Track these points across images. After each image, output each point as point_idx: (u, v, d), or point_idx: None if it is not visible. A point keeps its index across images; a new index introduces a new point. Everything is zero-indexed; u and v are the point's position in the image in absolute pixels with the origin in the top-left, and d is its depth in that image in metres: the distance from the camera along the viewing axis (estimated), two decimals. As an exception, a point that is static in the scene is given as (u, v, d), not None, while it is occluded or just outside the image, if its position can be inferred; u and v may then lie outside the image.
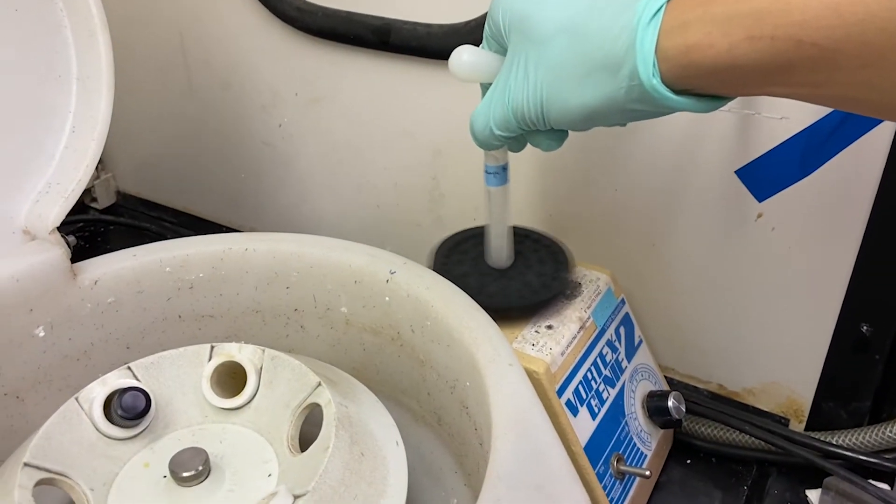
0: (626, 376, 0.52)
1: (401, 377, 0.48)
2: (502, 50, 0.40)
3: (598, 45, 0.34)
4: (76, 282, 0.46)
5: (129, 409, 0.39)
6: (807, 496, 0.52)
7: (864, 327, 0.51)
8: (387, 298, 0.47)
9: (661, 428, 0.53)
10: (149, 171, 0.87)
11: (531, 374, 0.44)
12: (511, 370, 0.38)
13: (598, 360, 0.50)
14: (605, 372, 0.50)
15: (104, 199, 0.89)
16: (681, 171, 0.53)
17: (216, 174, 0.80)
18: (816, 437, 0.53)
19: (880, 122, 0.45)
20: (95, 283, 0.47)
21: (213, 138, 0.78)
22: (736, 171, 0.51)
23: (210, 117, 0.77)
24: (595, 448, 0.47)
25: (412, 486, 0.38)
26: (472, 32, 0.55)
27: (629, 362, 0.53)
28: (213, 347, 0.43)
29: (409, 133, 0.64)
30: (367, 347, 0.49)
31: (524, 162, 0.59)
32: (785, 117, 0.47)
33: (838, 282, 0.51)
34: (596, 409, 0.48)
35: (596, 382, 0.49)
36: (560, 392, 0.46)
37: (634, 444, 0.50)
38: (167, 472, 0.37)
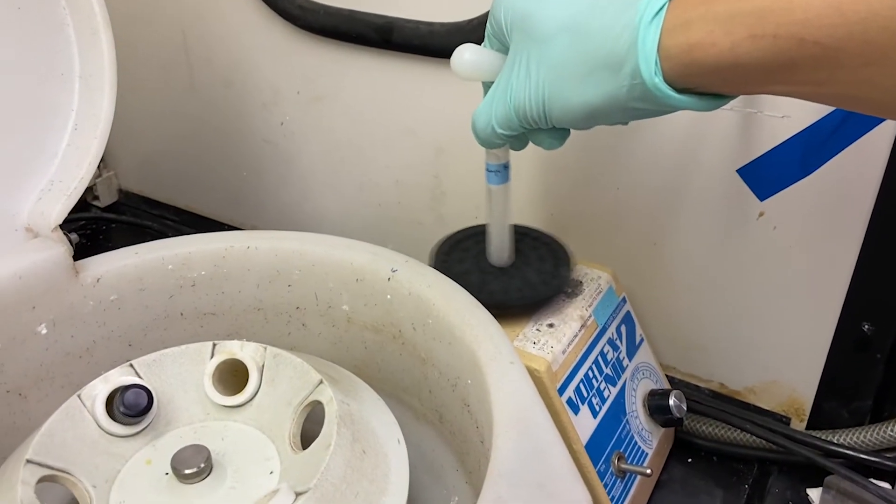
0: (627, 375, 0.52)
1: (402, 375, 0.48)
2: (504, 49, 0.41)
3: (599, 44, 0.34)
4: (78, 279, 0.46)
5: (132, 407, 0.39)
6: (808, 495, 0.52)
7: (866, 326, 0.51)
8: (388, 296, 0.47)
9: (663, 426, 0.53)
10: (151, 169, 0.87)
11: (532, 373, 0.44)
12: (512, 368, 0.38)
13: (600, 358, 0.50)
14: (607, 370, 0.50)
15: (106, 197, 0.89)
16: (682, 169, 0.53)
17: (218, 172, 0.81)
18: (817, 435, 0.53)
19: (882, 121, 0.45)
20: (98, 280, 0.47)
21: (214, 136, 0.78)
22: (737, 170, 0.51)
23: (212, 115, 0.77)
24: (596, 446, 0.47)
25: (413, 484, 0.38)
26: (474, 31, 0.55)
27: (630, 361, 0.53)
28: (215, 345, 0.43)
29: (410, 131, 0.64)
30: (368, 345, 0.49)
31: (526, 161, 0.59)
32: (786, 116, 0.47)
33: (839, 281, 0.51)
34: (597, 408, 0.48)
35: (597, 381, 0.49)
36: (561, 390, 0.46)
37: (635, 443, 0.50)
38: (169, 470, 0.38)
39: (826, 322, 0.52)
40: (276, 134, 0.73)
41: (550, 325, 0.48)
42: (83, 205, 0.88)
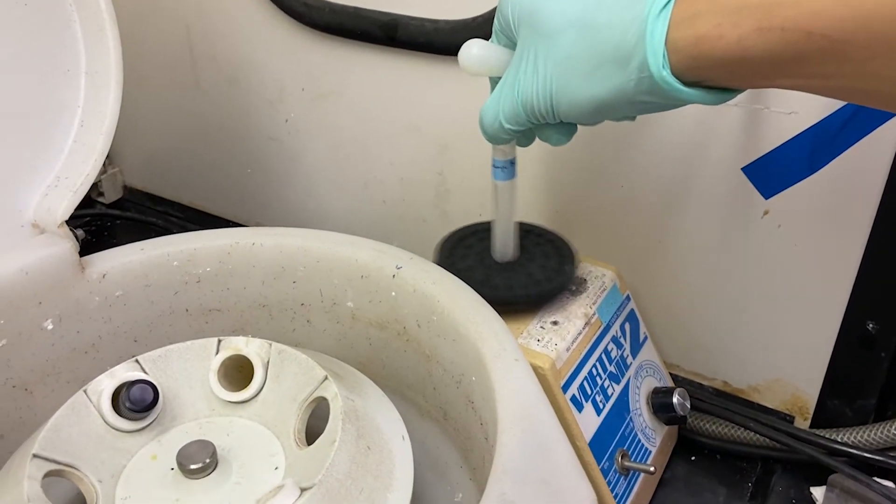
0: (630, 372, 0.52)
1: (407, 372, 0.48)
2: (511, 44, 0.41)
3: (607, 38, 0.34)
4: (84, 275, 0.47)
5: (137, 402, 0.39)
6: (811, 493, 0.52)
7: (870, 325, 0.51)
8: (393, 293, 0.47)
9: (666, 424, 0.53)
10: (155, 166, 0.87)
11: (536, 370, 0.44)
12: (517, 365, 0.38)
13: (604, 356, 0.50)
14: (610, 368, 0.50)
15: (111, 194, 0.89)
16: (687, 167, 0.53)
17: (222, 169, 0.81)
18: (821, 434, 0.53)
19: (889, 118, 0.45)
20: (104, 276, 0.47)
21: (219, 133, 0.78)
22: (742, 168, 0.51)
23: (217, 112, 0.77)
24: (600, 444, 0.47)
25: (417, 481, 0.38)
26: (479, 28, 0.55)
27: (634, 358, 0.53)
28: (220, 341, 0.43)
29: (415, 128, 0.65)
30: (373, 342, 0.49)
31: (531, 158, 0.59)
32: (794, 112, 0.47)
33: (844, 279, 0.51)
34: (601, 405, 0.48)
35: (601, 378, 0.49)
36: (565, 388, 0.46)
37: (639, 441, 0.50)
38: (175, 465, 0.38)
39: (831, 320, 0.52)
40: (280, 131, 0.73)
41: (554, 323, 0.48)
42: (88, 201, 0.88)
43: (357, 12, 0.61)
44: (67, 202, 0.47)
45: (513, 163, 0.47)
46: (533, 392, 0.37)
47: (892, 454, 0.51)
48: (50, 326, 0.45)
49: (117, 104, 0.48)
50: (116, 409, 0.40)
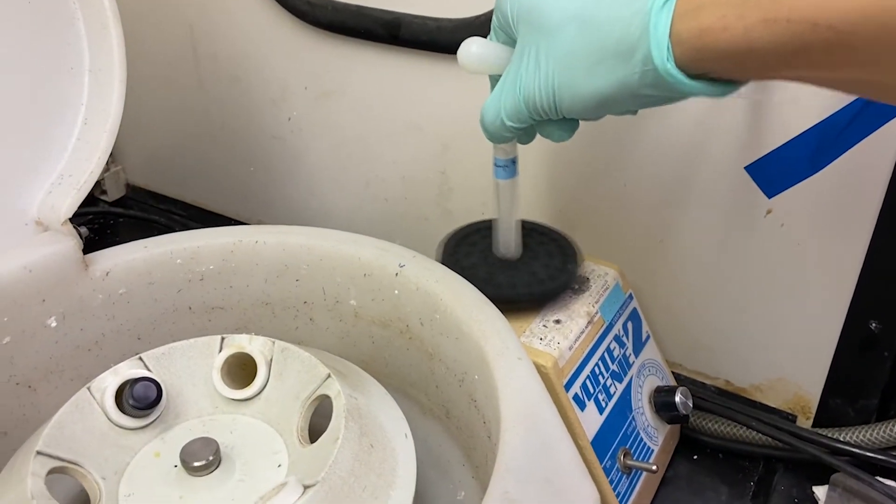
0: (633, 371, 0.52)
1: (409, 370, 0.48)
2: (511, 41, 0.41)
3: (609, 32, 0.34)
4: (88, 273, 0.47)
5: (141, 399, 0.39)
6: (814, 492, 0.52)
7: (873, 324, 0.51)
8: (396, 291, 0.47)
9: (668, 423, 0.53)
10: (158, 164, 0.87)
11: (539, 369, 0.44)
12: (520, 364, 0.38)
13: (606, 354, 0.50)
14: (613, 367, 0.50)
15: (114, 192, 0.89)
16: (690, 167, 0.53)
17: (225, 167, 0.81)
18: (824, 433, 0.53)
19: (891, 118, 0.45)
20: (107, 274, 0.47)
21: (222, 132, 0.78)
22: (745, 167, 0.51)
23: (219, 111, 0.77)
24: (602, 442, 0.47)
25: (420, 479, 0.38)
26: (482, 27, 0.55)
27: (637, 357, 0.53)
28: (223, 339, 0.43)
29: (417, 127, 0.65)
30: (375, 340, 0.49)
31: (533, 157, 0.59)
32: (795, 98, 0.47)
33: (847, 278, 0.51)
34: (603, 404, 0.48)
35: (603, 377, 0.49)
36: (568, 386, 0.46)
37: (641, 439, 0.50)
38: (178, 462, 0.38)
39: (833, 320, 0.52)
40: (283, 129, 0.73)
41: (557, 322, 0.48)
42: (91, 199, 0.88)
43: (360, 11, 0.61)
44: (71, 200, 0.47)
45: (514, 161, 0.47)
46: (536, 390, 0.37)
47: (894, 453, 0.51)
48: (53, 324, 0.46)
49: (121, 102, 0.48)
50: (120, 407, 0.40)
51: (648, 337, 0.55)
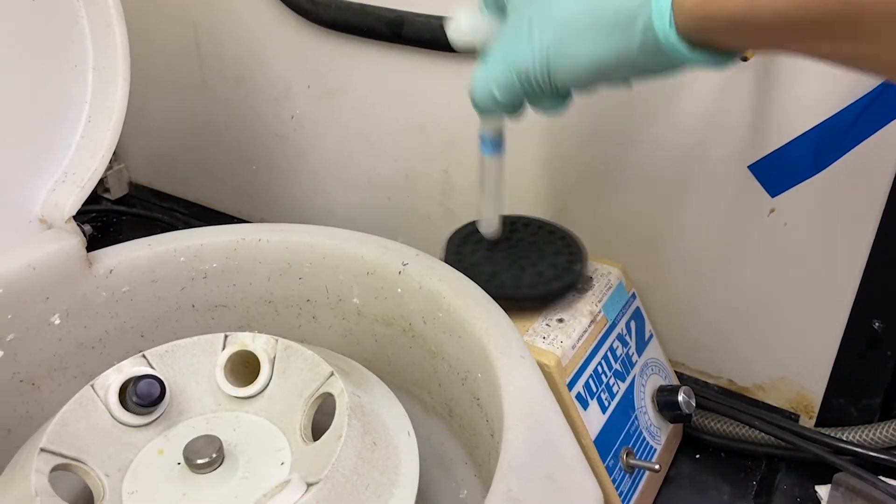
0: (636, 370, 0.52)
1: (412, 368, 0.48)
2: (500, 13, 0.40)
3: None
4: (91, 270, 0.47)
5: (144, 397, 0.39)
6: (816, 492, 0.52)
7: (877, 324, 0.51)
8: (399, 290, 0.47)
9: (671, 422, 0.53)
10: (161, 163, 0.88)
11: (542, 368, 0.44)
12: (523, 362, 0.38)
13: (609, 353, 0.50)
14: (616, 366, 0.50)
15: (117, 190, 0.89)
16: (693, 166, 0.53)
17: (228, 166, 0.81)
18: (827, 433, 0.53)
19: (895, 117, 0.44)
20: (111, 271, 0.47)
21: (225, 130, 0.78)
22: (749, 166, 0.51)
23: (223, 109, 0.77)
24: (605, 441, 0.47)
25: (422, 477, 0.38)
26: (485, 25, 0.55)
27: (640, 356, 0.53)
28: (226, 337, 0.43)
29: (420, 125, 0.65)
30: (378, 338, 0.49)
31: (536, 156, 0.59)
32: (799, 97, 0.46)
33: (851, 278, 0.51)
34: (606, 403, 0.48)
35: (606, 376, 0.49)
36: (570, 385, 0.46)
37: (644, 439, 0.50)
38: (181, 459, 0.38)
39: (836, 319, 0.52)
40: (286, 128, 0.73)
41: (560, 321, 0.48)
42: (94, 197, 0.88)
43: (363, 9, 0.61)
44: (75, 197, 0.47)
45: (501, 136, 0.46)
46: (539, 389, 0.37)
47: (897, 453, 0.51)
48: (57, 321, 0.46)
49: (125, 100, 0.48)
50: (123, 404, 0.40)
51: (651, 336, 0.55)
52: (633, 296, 0.54)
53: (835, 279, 0.51)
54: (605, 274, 0.53)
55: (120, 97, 0.48)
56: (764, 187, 0.51)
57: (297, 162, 0.75)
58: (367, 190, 0.71)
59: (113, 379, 0.40)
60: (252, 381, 0.43)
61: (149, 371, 0.41)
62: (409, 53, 0.61)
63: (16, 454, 0.39)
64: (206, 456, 0.37)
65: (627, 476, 0.48)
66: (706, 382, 0.61)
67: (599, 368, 0.49)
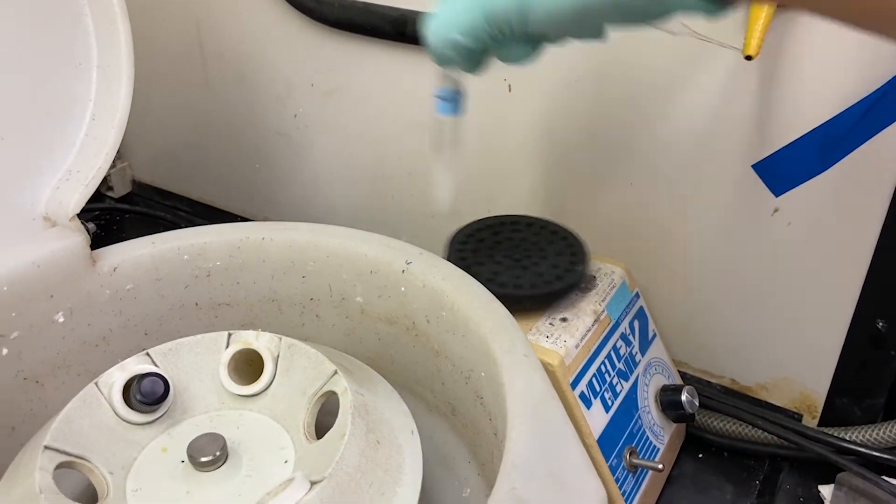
0: (639, 370, 0.52)
1: (415, 367, 0.48)
2: None
3: None
4: (95, 268, 0.47)
5: (148, 395, 0.39)
6: (819, 492, 0.52)
7: (880, 323, 0.51)
8: (402, 288, 0.47)
9: (674, 422, 0.53)
10: (164, 161, 0.88)
11: (545, 367, 0.44)
12: (527, 361, 0.38)
13: (612, 353, 0.50)
14: (619, 365, 0.50)
15: (120, 188, 0.89)
16: (697, 165, 0.53)
17: (231, 164, 0.81)
18: (830, 432, 0.53)
19: (901, 117, 0.44)
20: (114, 269, 0.47)
21: (228, 128, 0.78)
22: (753, 166, 0.51)
23: (225, 107, 0.77)
24: (608, 441, 0.47)
25: (425, 476, 0.38)
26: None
27: (643, 356, 0.53)
28: (230, 335, 0.43)
29: (423, 124, 0.65)
30: (382, 337, 0.49)
31: (539, 153, 0.59)
32: (804, 96, 0.46)
33: (854, 277, 0.50)
34: (609, 402, 0.48)
35: (610, 375, 0.49)
36: (574, 384, 0.46)
37: (647, 438, 0.50)
38: (185, 457, 0.38)
39: (840, 319, 0.52)
40: (289, 126, 0.73)
41: (564, 320, 0.48)
42: (97, 195, 0.88)
43: (367, 7, 0.61)
44: (79, 196, 0.47)
45: (460, 94, 0.41)
46: (542, 388, 0.37)
47: (900, 453, 0.51)
48: (61, 319, 0.46)
49: (129, 98, 0.48)
50: (127, 402, 0.40)
51: (655, 335, 0.55)
52: (637, 295, 0.54)
53: (838, 279, 0.51)
54: (608, 273, 0.53)
55: (124, 95, 0.48)
56: (768, 186, 0.51)
57: (300, 160, 0.75)
58: (369, 188, 0.71)
59: (117, 377, 0.40)
60: (255, 380, 0.43)
61: (153, 369, 0.41)
62: (412, 52, 0.61)
63: (20, 452, 0.39)
64: (209, 454, 0.37)
65: (630, 475, 0.48)
66: (709, 382, 0.61)
67: (603, 368, 0.49)
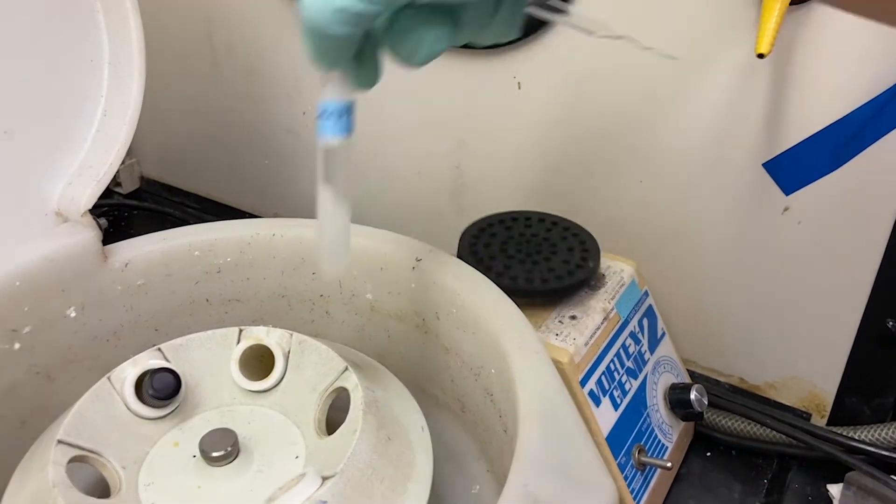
0: (648, 368, 0.52)
1: (424, 364, 0.48)
2: None
3: None
4: (107, 264, 0.47)
5: (160, 390, 0.39)
6: (828, 491, 0.52)
7: (890, 323, 0.51)
8: (412, 285, 0.47)
9: (683, 420, 0.53)
10: (172, 157, 0.88)
11: (555, 364, 0.44)
12: (537, 357, 0.38)
13: (621, 351, 0.50)
14: (628, 363, 0.50)
15: (128, 184, 0.90)
16: (706, 163, 0.53)
17: (239, 161, 0.81)
18: (839, 431, 0.53)
19: (913, 116, 0.44)
20: (126, 265, 0.48)
21: (237, 125, 0.79)
22: (763, 164, 0.51)
23: (234, 104, 0.77)
24: (617, 439, 0.47)
25: (435, 472, 0.38)
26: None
27: (652, 354, 0.53)
28: (241, 331, 0.43)
29: (432, 122, 0.65)
30: (391, 334, 0.50)
31: (550, 151, 0.59)
32: (813, 95, 0.46)
33: (865, 276, 0.50)
34: (618, 400, 0.48)
35: (619, 373, 0.49)
36: (583, 382, 0.46)
37: (656, 436, 0.50)
38: (197, 452, 0.38)
39: (850, 318, 0.52)
40: (298, 123, 0.73)
41: (573, 317, 0.48)
42: (105, 191, 0.87)
43: (377, 5, 0.60)
44: (91, 191, 0.47)
45: (350, 108, 0.31)
46: (553, 384, 0.37)
47: (910, 453, 0.50)
48: (73, 314, 0.46)
49: (140, 94, 0.48)
50: (139, 397, 0.40)
51: (664, 334, 0.55)
52: (646, 293, 0.54)
53: (848, 278, 0.51)
54: (618, 271, 0.53)
55: (135, 91, 0.48)
56: (778, 185, 0.51)
57: (309, 158, 0.75)
58: (378, 186, 0.71)
59: (129, 372, 0.40)
60: (266, 376, 0.43)
61: (165, 364, 0.41)
62: (422, 49, 0.61)
63: (32, 446, 0.39)
64: (221, 449, 0.37)
65: (639, 474, 0.48)
66: (717, 380, 0.61)
67: (612, 366, 0.49)
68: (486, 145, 0.62)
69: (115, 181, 0.89)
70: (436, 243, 0.49)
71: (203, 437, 0.38)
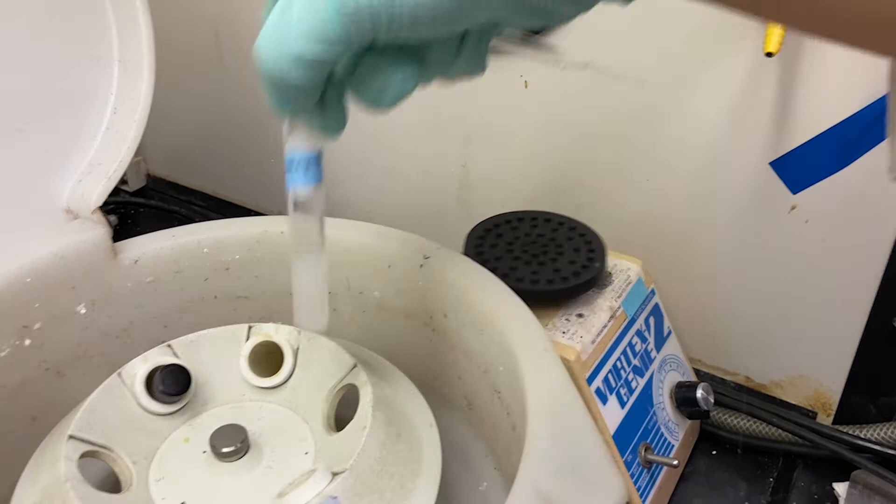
0: (654, 366, 0.52)
1: (432, 361, 0.49)
2: None
3: None
4: (117, 261, 0.47)
5: (171, 386, 0.40)
6: (834, 489, 0.52)
7: (897, 322, 0.51)
8: (420, 283, 0.47)
9: (689, 419, 0.53)
10: (179, 155, 0.88)
11: (562, 362, 0.44)
12: (546, 355, 0.38)
13: (628, 349, 0.50)
14: (635, 361, 0.50)
15: (134, 182, 0.90)
16: (713, 162, 0.53)
17: (245, 158, 0.81)
18: (844, 430, 0.53)
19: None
20: (136, 262, 0.48)
21: (242, 123, 0.79)
22: (770, 163, 0.51)
23: (241, 102, 0.77)
24: (623, 436, 0.47)
25: (442, 469, 0.39)
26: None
27: (658, 352, 0.53)
28: (250, 327, 0.44)
29: (439, 120, 0.65)
30: (399, 331, 0.50)
31: (557, 150, 0.59)
32: (821, 95, 0.46)
33: (871, 275, 0.50)
34: (625, 398, 0.48)
35: (625, 372, 0.49)
36: (590, 380, 0.46)
37: (662, 434, 0.51)
38: (207, 448, 0.38)
39: (856, 317, 0.52)
40: (304, 121, 0.73)
41: (580, 316, 0.49)
42: (112, 189, 0.88)
43: (384, 3, 0.61)
44: (101, 188, 0.47)
45: (319, 157, 0.30)
46: (562, 382, 0.37)
47: (916, 452, 0.51)
48: (83, 311, 0.46)
49: (150, 91, 0.49)
50: (150, 393, 0.40)
51: (670, 332, 0.55)
52: (653, 292, 0.54)
53: (855, 277, 0.51)
54: (624, 269, 0.53)
55: (145, 89, 0.49)
56: (786, 184, 0.51)
57: (316, 155, 0.75)
58: (384, 183, 0.72)
59: (140, 368, 0.40)
60: (275, 372, 0.43)
61: (175, 360, 0.41)
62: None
63: (43, 441, 0.39)
64: (231, 445, 0.38)
65: (645, 471, 0.48)
66: (723, 379, 0.61)
67: (618, 364, 0.49)
68: (493, 144, 0.62)
69: (122, 179, 0.89)
70: (441, 242, 0.49)
71: (213, 433, 0.38)
